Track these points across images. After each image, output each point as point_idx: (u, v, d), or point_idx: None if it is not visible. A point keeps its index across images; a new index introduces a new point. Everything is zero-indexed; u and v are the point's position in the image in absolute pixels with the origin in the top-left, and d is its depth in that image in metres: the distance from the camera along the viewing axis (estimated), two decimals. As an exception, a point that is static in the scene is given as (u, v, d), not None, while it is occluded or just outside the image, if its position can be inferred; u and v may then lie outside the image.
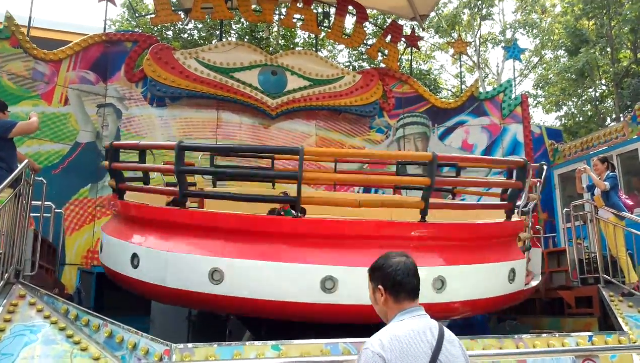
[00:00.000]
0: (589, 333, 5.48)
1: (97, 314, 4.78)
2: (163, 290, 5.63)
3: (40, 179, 6.48)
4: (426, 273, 5.01)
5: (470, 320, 9.76)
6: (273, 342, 4.65)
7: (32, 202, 5.87)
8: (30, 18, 10.78)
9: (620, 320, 6.02)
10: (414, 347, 2.16)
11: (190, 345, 4.40)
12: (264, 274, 5.24)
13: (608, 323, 6.65)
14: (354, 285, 5.01)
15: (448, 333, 2.30)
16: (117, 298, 9.81)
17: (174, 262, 5.50)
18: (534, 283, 6.99)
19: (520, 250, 6.59)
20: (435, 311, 4.19)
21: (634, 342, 5.42)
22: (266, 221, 5.84)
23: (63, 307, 4.79)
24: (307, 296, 5.20)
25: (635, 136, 9.99)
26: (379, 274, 2.38)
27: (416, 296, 2.35)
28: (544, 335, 5.48)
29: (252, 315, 6.06)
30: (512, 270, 6.05)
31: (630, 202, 7.67)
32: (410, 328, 2.22)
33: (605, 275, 7.12)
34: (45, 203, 6.76)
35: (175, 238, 5.68)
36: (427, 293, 4.70)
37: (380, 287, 2.36)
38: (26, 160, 5.68)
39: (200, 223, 5.70)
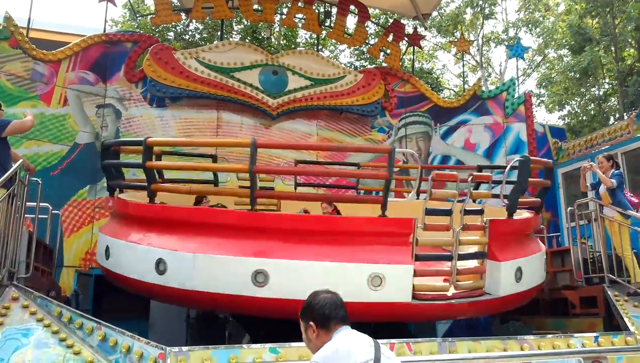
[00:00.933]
0: (595, 334, 5.38)
1: (91, 317, 4.71)
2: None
3: (35, 179, 6.40)
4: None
5: (473, 321, 9.68)
6: (271, 345, 4.57)
7: (28, 203, 5.81)
8: (29, 19, 10.72)
9: (626, 320, 5.91)
10: (356, 349, 2.40)
11: (185, 348, 4.31)
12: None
13: (613, 324, 6.54)
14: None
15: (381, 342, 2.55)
16: (115, 301, 9.73)
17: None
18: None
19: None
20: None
21: (641, 343, 5.31)
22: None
23: (56, 310, 4.71)
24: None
25: (641, 134, 9.87)
26: (308, 312, 2.57)
27: (346, 323, 2.56)
28: (549, 336, 5.38)
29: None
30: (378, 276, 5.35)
31: (635, 200, 7.55)
32: (347, 338, 2.47)
33: (610, 275, 7.00)
34: (42, 204, 6.69)
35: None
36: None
37: (311, 323, 2.54)
38: (20, 160, 5.60)
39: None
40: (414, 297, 5.43)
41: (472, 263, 6.06)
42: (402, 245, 5.51)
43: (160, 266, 5.53)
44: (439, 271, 5.94)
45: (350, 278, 5.26)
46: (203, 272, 5.33)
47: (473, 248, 6.13)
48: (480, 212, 6.01)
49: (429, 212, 5.66)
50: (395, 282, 5.36)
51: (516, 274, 6.00)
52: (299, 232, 5.57)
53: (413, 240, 5.51)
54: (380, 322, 5.74)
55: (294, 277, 5.18)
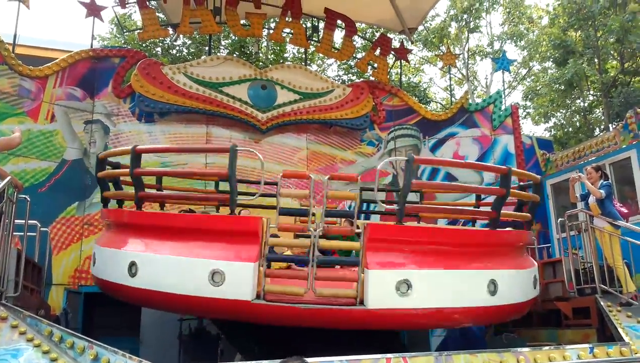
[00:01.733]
0: (590, 345, 5.39)
1: (83, 336, 4.62)
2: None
3: (24, 196, 6.31)
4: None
5: (467, 332, 9.66)
6: (264, 362, 4.52)
7: (16, 221, 5.72)
8: (15, 34, 10.63)
9: (620, 330, 5.93)
10: None
11: (178, 366, 4.25)
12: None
13: (606, 334, 6.56)
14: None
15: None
16: (105, 318, 9.61)
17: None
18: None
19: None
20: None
21: (636, 353, 5.32)
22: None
23: (47, 329, 4.62)
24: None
25: (628, 144, 9.97)
26: None
27: None
28: (545, 348, 5.37)
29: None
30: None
31: (625, 210, 7.61)
32: None
33: (602, 285, 7.03)
34: (31, 222, 6.60)
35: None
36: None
37: None
38: (8, 177, 5.52)
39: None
40: (263, 297, 5.42)
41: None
42: (249, 244, 5.57)
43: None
44: (300, 274, 5.64)
45: (194, 273, 5.56)
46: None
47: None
48: (350, 215, 5.96)
49: (283, 212, 5.85)
50: (235, 279, 5.45)
51: (399, 286, 5.42)
52: (162, 228, 6.21)
53: (263, 239, 5.59)
54: (223, 318, 6.24)
55: (153, 268, 5.87)
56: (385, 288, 5.43)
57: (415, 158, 5.84)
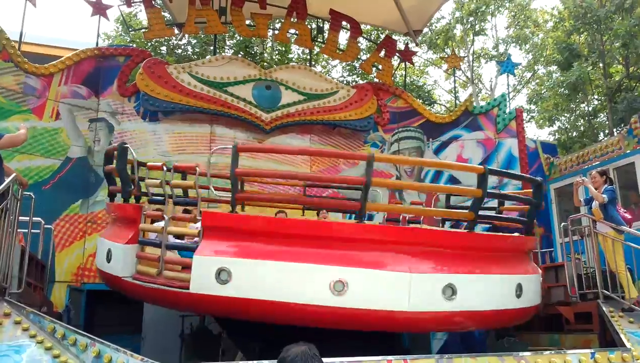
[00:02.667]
0: (592, 350, 5.38)
1: (85, 333, 4.64)
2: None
3: (28, 193, 6.34)
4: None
5: (468, 336, 9.65)
6: (264, 362, 4.53)
7: (20, 218, 5.74)
8: (21, 32, 10.69)
9: (622, 336, 5.91)
10: None
11: (178, 365, 4.27)
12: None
13: (608, 340, 6.54)
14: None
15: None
16: (108, 316, 9.63)
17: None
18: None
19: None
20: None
21: (638, 359, 5.31)
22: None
23: (49, 326, 4.64)
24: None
25: (632, 149, 9.95)
26: None
27: None
28: (546, 352, 5.36)
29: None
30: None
31: (628, 216, 7.58)
32: None
33: (604, 291, 7.01)
34: (35, 219, 6.62)
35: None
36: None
37: None
38: (13, 174, 5.55)
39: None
40: (135, 277, 6.21)
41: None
42: (130, 229, 6.45)
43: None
44: (152, 257, 6.28)
45: (100, 251, 7.06)
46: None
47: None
48: (193, 204, 6.41)
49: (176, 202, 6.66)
50: (118, 259, 6.47)
51: (219, 274, 5.37)
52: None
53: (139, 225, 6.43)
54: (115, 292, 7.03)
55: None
56: (207, 274, 5.44)
57: (239, 146, 5.91)
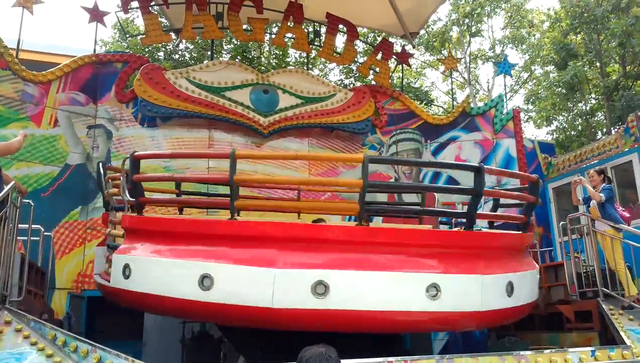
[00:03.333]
0: (592, 348, 5.39)
1: (86, 340, 4.64)
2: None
3: (27, 201, 6.35)
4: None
5: (469, 336, 9.66)
6: (269, 365, 4.53)
7: (20, 225, 5.75)
8: (19, 40, 10.69)
9: (622, 334, 5.93)
10: None
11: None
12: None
13: (608, 338, 6.56)
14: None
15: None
16: (108, 322, 9.62)
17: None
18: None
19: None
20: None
21: (638, 356, 5.32)
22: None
23: (50, 333, 4.64)
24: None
25: (629, 148, 9.98)
26: None
27: None
28: (546, 351, 5.37)
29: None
30: None
31: (627, 214, 7.62)
32: None
33: (604, 289, 7.03)
34: (34, 226, 6.63)
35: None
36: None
37: None
38: (12, 182, 5.55)
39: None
40: (102, 276, 6.84)
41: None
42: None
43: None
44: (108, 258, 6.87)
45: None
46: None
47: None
48: (120, 209, 6.70)
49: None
50: (99, 262, 7.43)
51: (124, 271, 5.86)
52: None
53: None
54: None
55: None
56: (118, 270, 6.00)
57: (135, 154, 6.18)
